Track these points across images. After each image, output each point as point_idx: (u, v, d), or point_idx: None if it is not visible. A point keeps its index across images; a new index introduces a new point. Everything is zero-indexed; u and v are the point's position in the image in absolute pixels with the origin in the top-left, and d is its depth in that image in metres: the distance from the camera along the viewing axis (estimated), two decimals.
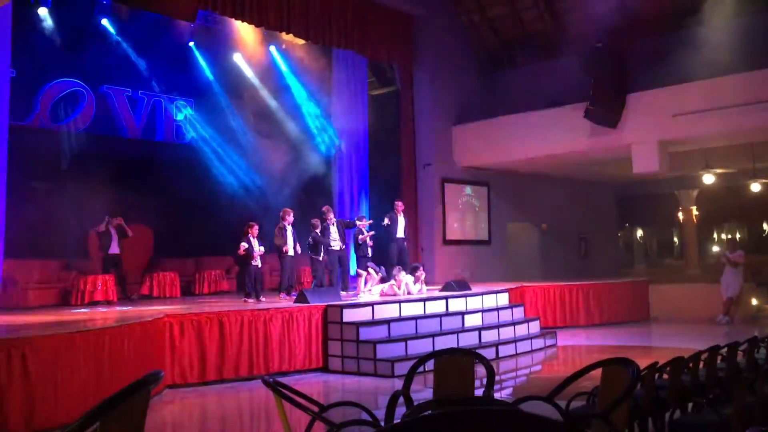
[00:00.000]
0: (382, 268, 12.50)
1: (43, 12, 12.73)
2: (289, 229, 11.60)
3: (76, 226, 12.66)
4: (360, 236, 12.50)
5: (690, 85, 13.45)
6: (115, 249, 12.36)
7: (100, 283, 11.76)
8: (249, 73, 15.70)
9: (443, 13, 16.82)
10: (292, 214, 11.69)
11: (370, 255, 12.69)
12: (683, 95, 13.56)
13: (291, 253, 11.61)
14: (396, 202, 13.42)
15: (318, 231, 11.84)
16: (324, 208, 12.33)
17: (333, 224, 12.16)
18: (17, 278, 11.32)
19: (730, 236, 22.35)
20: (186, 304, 10.88)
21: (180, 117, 15.10)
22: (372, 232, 12.55)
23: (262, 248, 11.27)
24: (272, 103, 15.75)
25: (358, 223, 12.57)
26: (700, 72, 13.14)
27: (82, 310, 10.44)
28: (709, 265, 19.38)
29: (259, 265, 11.27)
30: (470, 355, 4.23)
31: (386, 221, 12.91)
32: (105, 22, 13.66)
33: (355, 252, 12.91)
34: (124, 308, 10.38)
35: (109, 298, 11.77)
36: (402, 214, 13.21)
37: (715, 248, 22.95)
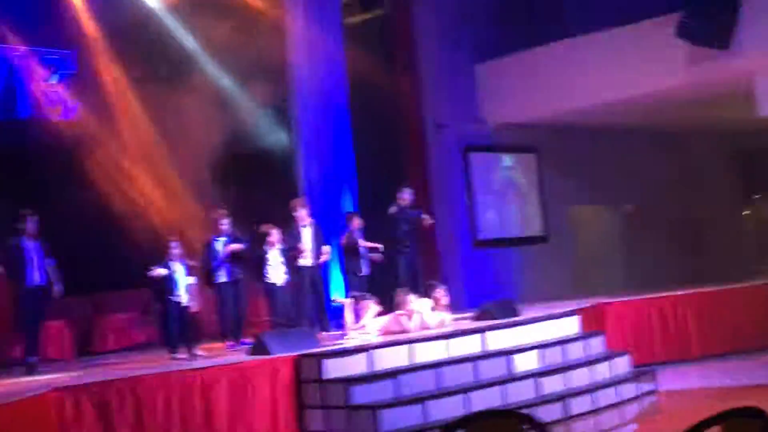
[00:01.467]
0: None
1: None
2: (221, 242, 11.71)
3: None
4: (349, 241, 12.58)
5: None
6: (39, 277, 11.41)
7: None
8: (153, 1, 15.68)
9: None
10: (226, 219, 11.76)
11: (364, 273, 12.74)
12: None
13: (225, 278, 11.69)
14: (402, 190, 13.52)
15: (273, 241, 11.83)
16: (293, 202, 12.44)
17: (307, 226, 12.21)
18: None
19: None
20: (82, 369, 10.85)
21: (53, 80, 15.10)
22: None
23: (191, 278, 11.26)
24: (193, 46, 15.73)
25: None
26: None
27: None
28: None
29: (187, 302, 11.24)
30: (519, 418, 4.29)
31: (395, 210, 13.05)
32: None
33: (343, 268, 12.96)
34: None
35: None
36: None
37: None
